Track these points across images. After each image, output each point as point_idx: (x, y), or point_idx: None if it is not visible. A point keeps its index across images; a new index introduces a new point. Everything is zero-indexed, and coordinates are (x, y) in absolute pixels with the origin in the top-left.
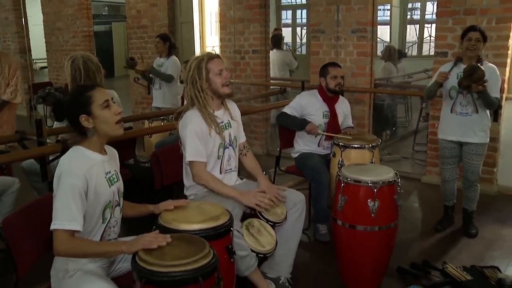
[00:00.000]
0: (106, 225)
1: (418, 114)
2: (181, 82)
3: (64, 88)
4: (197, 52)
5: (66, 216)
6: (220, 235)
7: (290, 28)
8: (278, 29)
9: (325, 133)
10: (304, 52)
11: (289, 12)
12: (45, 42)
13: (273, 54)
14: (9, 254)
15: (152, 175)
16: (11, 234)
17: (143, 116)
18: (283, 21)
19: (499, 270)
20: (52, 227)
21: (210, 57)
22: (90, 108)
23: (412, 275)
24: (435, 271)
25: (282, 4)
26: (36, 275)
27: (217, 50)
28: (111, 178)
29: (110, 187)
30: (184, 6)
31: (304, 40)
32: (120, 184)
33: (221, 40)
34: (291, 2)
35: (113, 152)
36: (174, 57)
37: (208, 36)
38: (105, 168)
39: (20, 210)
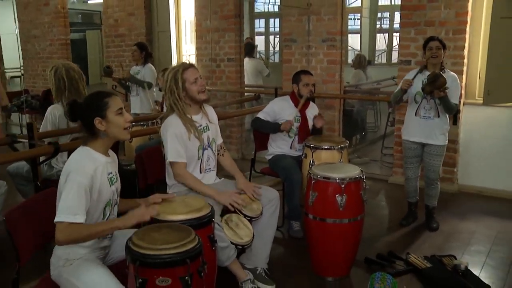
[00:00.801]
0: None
1: (386, 119)
2: (160, 89)
3: (41, 96)
4: (174, 60)
5: (70, 210)
6: (203, 225)
7: (263, 37)
8: (248, 39)
9: (296, 127)
10: (277, 60)
11: (262, 21)
12: (21, 50)
13: (246, 62)
14: (12, 245)
15: (135, 177)
16: (14, 227)
17: None
18: (256, 30)
19: (455, 258)
20: (57, 219)
21: (185, 67)
22: (106, 113)
23: (378, 264)
24: (399, 261)
25: (255, 13)
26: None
27: (193, 59)
28: (112, 179)
29: (110, 186)
30: (161, 15)
31: (277, 48)
32: (118, 184)
33: (197, 49)
34: (264, 11)
35: (114, 155)
36: (150, 65)
37: (183, 44)
38: (108, 169)
39: (21, 204)
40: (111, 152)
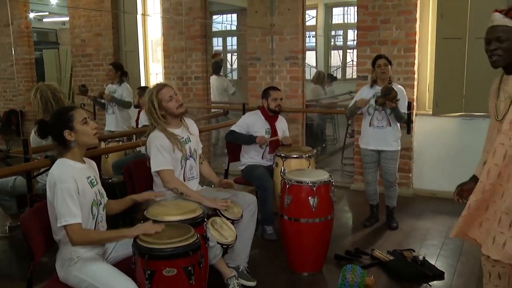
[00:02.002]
0: (96, 220)
1: (344, 132)
2: (135, 107)
3: (2, 117)
4: (142, 79)
5: (68, 214)
6: (197, 224)
7: (221, 55)
8: (219, 56)
9: (271, 139)
10: (235, 77)
11: (220, 39)
12: None
13: (213, 80)
14: (27, 245)
15: (117, 188)
16: (28, 229)
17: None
18: (214, 48)
19: (414, 251)
20: (59, 224)
21: (158, 88)
22: (73, 124)
23: (347, 260)
24: (366, 256)
25: (213, 31)
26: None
27: (160, 77)
28: (92, 181)
29: (92, 188)
30: (129, 35)
31: (235, 66)
32: (99, 187)
33: (165, 67)
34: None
35: (91, 162)
36: (126, 84)
37: (150, 63)
38: (86, 173)
39: (33, 209)
40: (87, 159)
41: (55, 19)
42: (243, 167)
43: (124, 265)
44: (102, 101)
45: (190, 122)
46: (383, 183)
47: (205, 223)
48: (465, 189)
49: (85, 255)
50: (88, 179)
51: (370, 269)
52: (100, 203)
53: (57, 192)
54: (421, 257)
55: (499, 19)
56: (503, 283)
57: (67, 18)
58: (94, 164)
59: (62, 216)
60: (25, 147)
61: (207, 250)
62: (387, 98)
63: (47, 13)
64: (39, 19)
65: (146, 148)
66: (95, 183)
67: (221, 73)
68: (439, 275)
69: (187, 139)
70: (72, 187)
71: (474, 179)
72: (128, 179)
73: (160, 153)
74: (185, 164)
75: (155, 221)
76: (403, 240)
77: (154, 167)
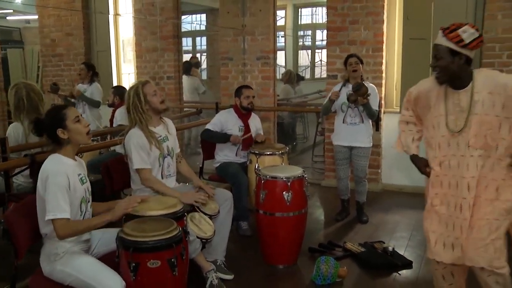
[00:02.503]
0: (83, 217)
1: (314, 130)
2: (110, 106)
3: None
4: (114, 79)
5: (57, 208)
6: (178, 218)
7: (190, 55)
8: (195, 58)
9: (244, 137)
10: (204, 77)
11: (189, 39)
12: None
13: (184, 79)
14: (11, 243)
15: (94, 187)
16: (12, 226)
17: None
18: (184, 48)
19: (383, 242)
20: (47, 217)
21: (143, 83)
22: (66, 123)
23: (320, 252)
24: (338, 248)
25: (182, 31)
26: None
27: (132, 77)
28: (82, 179)
29: (82, 185)
30: (100, 35)
31: (204, 66)
32: (88, 185)
33: (137, 67)
34: (191, 30)
35: (81, 160)
36: (96, 84)
37: (122, 63)
38: (76, 170)
39: (16, 207)
40: (77, 157)
41: (19, 17)
42: (217, 165)
43: (107, 260)
44: (73, 100)
45: (168, 122)
46: (354, 179)
47: (185, 217)
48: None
49: (71, 250)
50: (79, 176)
51: (343, 261)
52: (89, 201)
53: (48, 185)
54: (390, 248)
55: (439, 37)
56: (454, 279)
57: (32, 17)
58: (83, 162)
59: (51, 210)
60: (3, 146)
61: (188, 243)
62: (358, 94)
63: (11, 10)
64: (3, 17)
65: (124, 146)
66: (85, 180)
67: (191, 73)
68: (408, 265)
69: (165, 138)
70: (64, 182)
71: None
72: (106, 176)
73: (138, 152)
74: (163, 162)
75: (136, 216)
76: (373, 233)
77: (133, 165)
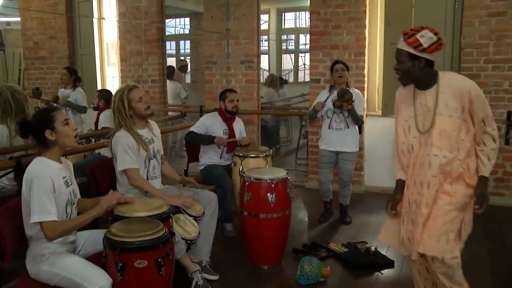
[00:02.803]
0: (69, 219)
1: (298, 133)
2: (94, 109)
3: None
4: (99, 82)
5: (43, 210)
6: (164, 219)
7: (174, 58)
8: (182, 60)
9: (229, 140)
10: (188, 80)
11: (173, 43)
12: None
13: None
14: None
15: (80, 189)
16: None
17: None
18: (168, 52)
19: (366, 243)
20: (32, 220)
21: (129, 89)
22: (54, 125)
23: (304, 253)
24: (322, 249)
25: (166, 35)
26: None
27: (116, 81)
28: (67, 181)
29: (67, 188)
30: (84, 38)
31: (188, 69)
32: (74, 187)
33: (121, 71)
34: (175, 33)
35: (67, 163)
36: (79, 89)
37: (106, 67)
38: (62, 173)
39: (2, 208)
40: (63, 159)
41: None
42: (202, 167)
43: (94, 261)
44: (55, 105)
45: (154, 125)
46: (338, 182)
47: (170, 218)
48: (398, 200)
49: (57, 251)
50: (64, 178)
51: (326, 261)
52: (74, 203)
53: (33, 188)
54: (373, 248)
55: (400, 42)
56: (430, 275)
57: (13, 19)
58: (70, 164)
59: (36, 213)
60: None
61: (174, 243)
62: (343, 100)
63: None
64: None
65: (111, 148)
66: (70, 183)
67: (172, 78)
68: (390, 264)
69: (151, 140)
70: (48, 185)
71: (401, 186)
72: (92, 179)
73: (126, 153)
74: (149, 163)
75: (123, 217)
76: (356, 234)
77: (121, 166)
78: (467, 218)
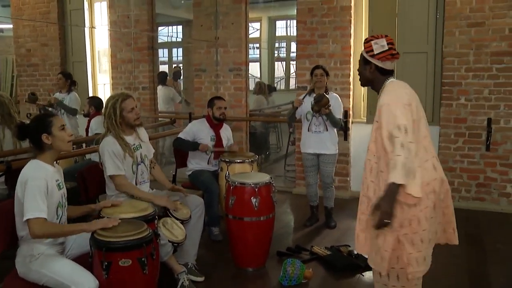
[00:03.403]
0: (59, 221)
1: (287, 140)
2: (85, 115)
3: None
4: (90, 89)
5: (35, 208)
6: (149, 221)
7: (167, 65)
8: (177, 67)
9: (214, 150)
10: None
11: (165, 51)
12: None
13: (159, 90)
14: None
15: (70, 194)
16: None
17: None
18: (160, 59)
19: (349, 246)
20: (26, 217)
21: (124, 98)
22: (51, 129)
23: (288, 255)
24: (305, 252)
25: (159, 42)
26: None
27: (108, 88)
28: (60, 184)
29: (59, 190)
30: (76, 46)
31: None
32: (65, 191)
33: (113, 78)
34: (167, 41)
35: (58, 167)
36: (74, 93)
37: (98, 74)
38: (55, 176)
39: None
40: (55, 164)
41: None
42: (190, 172)
43: (81, 261)
44: (50, 109)
45: (141, 130)
46: (321, 185)
47: (156, 220)
48: None
49: (46, 252)
50: (56, 182)
51: (309, 263)
52: (65, 205)
53: (27, 188)
54: (355, 251)
55: (363, 45)
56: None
57: (5, 26)
58: (61, 169)
59: (29, 210)
60: None
61: (158, 245)
62: (319, 105)
63: None
64: None
65: (99, 153)
66: (62, 186)
67: (166, 84)
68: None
69: (138, 146)
70: (43, 186)
71: None
72: (81, 183)
73: (112, 159)
74: (137, 169)
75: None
76: (340, 237)
77: (107, 172)
78: None
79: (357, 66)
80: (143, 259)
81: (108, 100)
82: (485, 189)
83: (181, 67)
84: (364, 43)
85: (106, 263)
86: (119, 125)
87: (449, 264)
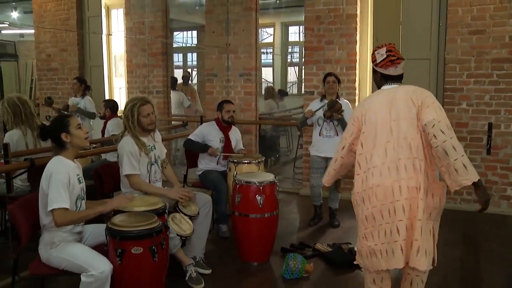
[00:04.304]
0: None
1: (297, 143)
2: (101, 118)
3: None
4: (107, 92)
5: (59, 199)
6: (159, 214)
7: (181, 70)
8: (186, 71)
9: (222, 154)
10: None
11: (180, 55)
12: None
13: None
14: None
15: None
16: (15, 218)
17: None
18: (175, 63)
19: (350, 244)
20: (50, 207)
21: (142, 103)
22: (69, 128)
23: (291, 251)
24: (308, 248)
25: (174, 47)
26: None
27: (123, 91)
28: (79, 179)
29: (79, 184)
30: (94, 51)
31: (195, 81)
32: (84, 185)
33: (128, 82)
34: (182, 45)
35: (78, 163)
36: (88, 97)
37: (114, 78)
38: (76, 171)
39: (19, 202)
40: (75, 160)
41: (14, 31)
42: (200, 172)
43: (96, 250)
44: (66, 113)
45: (155, 132)
46: (328, 187)
47: (166, 215)
48: None
49: (66, 239)
50: (77, 176)
51: (311, 259)
52: (83, 198)
53: (52, 181)
54: (356, 248)
55: None
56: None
57: (26, 31)
58: (79, 165)
59: (54, 201)
60: (5, 151)
61: (168, 236)
62: (333, 110)
63: (6, 24)
64: None
65: (118, 151)
66: (81, 181)
67: (176, 88)
68: None
69: (152, 147)
70: (65, 179)
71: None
72: (97, 180)
73: (129, 160)
74: (151, 168)
75: (123, 212)
76: (343, 236)
77: (124, 171)
78: None
79: (363, 72)
80: (153, 247)
81: (128, 102)
82: None
83: (195, 72)
84: (372, 54)
85: (120, 251)
86: (135, 127)
87: (440, 263)
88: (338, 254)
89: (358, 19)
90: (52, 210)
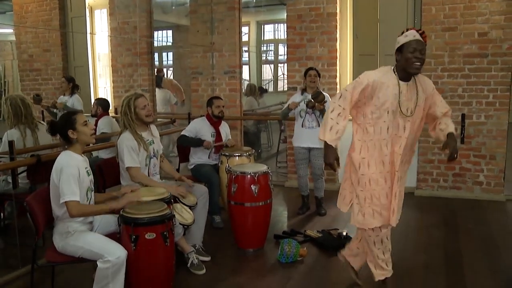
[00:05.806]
0: (89, 203)
1: (278, 139)
2: (93, 116)
3: None
4: (92, 92)
5: (71, 192)
6: (166, 203)
7: (163, 70)
8: (160, 70)
9: (216, 144)
10: None
11: (156, 55)
12: None
13: (156, 92)
14: (32, 222)
15: None
16: (32, 208)
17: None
18: (164, 63)
19: (338, 229)
20: (62, 200)
21: (136, 96)
22: (76, 125)
23: (284, 238)
24: (299, 234)
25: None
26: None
27: (108, 91)
28: (88, 171)
29: (88, 176)
30: (78, 51)
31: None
32: (92, 177)
33: (113, 81)
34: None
35: (85, 157)
36: (77, 95)
37: (99, 78)
38: (84, 164)
39: (35, 193)
40: (82, 155)
41: None
42: (192, 166)
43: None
44: (55, 110)
45: (153, 127)
46: (312, 177)
47: (171, 204)
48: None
49: (79, 228)
50: (85, 169)
51: (303, 244)
52: (92, 190)
53: (63, 174)
54: (344, 233)
55: (418, 37)
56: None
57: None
58: (87, 159)
59: (65, 194)
60: (11, 148)
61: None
62: (317, 101)
63: None
64: None
65: (117, 146)
66: (90, 173)
67: (161, 86)
68: None
69: (151, 141)
70: (75, 172)
71: None
72: (99, 175)
73: (129, 153)
74: (149, 162)
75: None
76: (330, 223)
77: (125, 164)
78: None
79: (343, 68)
80: (165, 233)
81: (124, 100)
82: (461, 179)
83: (168, 71)
84: (425, 36)
85: (134, 237)
86: (134, 121)
87: (426, 243)
88: (328, 239)
89: (338, 17)
90: (66, 202)
